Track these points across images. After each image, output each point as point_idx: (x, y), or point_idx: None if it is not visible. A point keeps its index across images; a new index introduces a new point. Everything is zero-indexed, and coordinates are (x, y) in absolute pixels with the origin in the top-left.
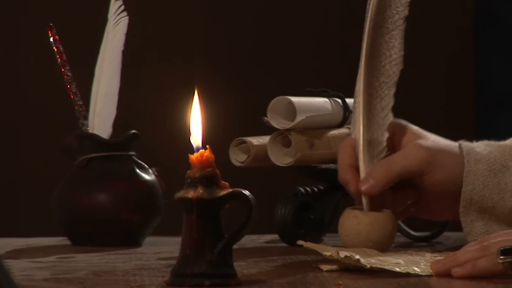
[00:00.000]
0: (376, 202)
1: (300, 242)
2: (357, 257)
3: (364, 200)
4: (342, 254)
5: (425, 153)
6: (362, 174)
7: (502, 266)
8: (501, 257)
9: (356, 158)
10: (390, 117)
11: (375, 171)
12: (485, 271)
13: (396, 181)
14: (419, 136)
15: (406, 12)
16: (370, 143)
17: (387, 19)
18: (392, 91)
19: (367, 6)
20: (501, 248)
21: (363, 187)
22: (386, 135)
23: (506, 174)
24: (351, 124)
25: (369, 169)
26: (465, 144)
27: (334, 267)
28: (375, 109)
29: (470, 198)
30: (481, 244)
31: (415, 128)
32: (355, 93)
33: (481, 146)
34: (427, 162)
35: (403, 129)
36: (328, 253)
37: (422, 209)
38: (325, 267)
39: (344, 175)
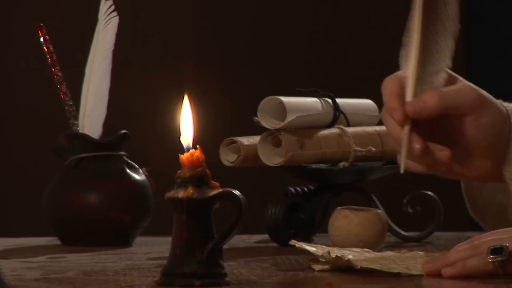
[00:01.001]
0: (415, 137)
1: (292, 242)
2: (348, 257)
3: (406, 128)
4: (333, 254)
5: (476, 93)
6: (409, 98)
7: (492, 265)
8: (491, 256)
9: (403, 89)
10: (447, 61)
11: (427, 96)
12: (475, 270)
13: (446, 111)
14: (460, 78)
15: None
16: (422, 77)
17: None
18: (450, 39)
19: None
20: (491, 247)
21: (411, 107)
22: (443, 75)
23: None
24: (401, 56)
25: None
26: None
27: (325, 267)
28: (430, 50)
29: None
30: (472, 243)
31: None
32: (407, 31)
33: None
34: (479, 102)
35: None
36: (319, 253)
37: (459, 160)
38: (317, 267)
39: (391, 103)
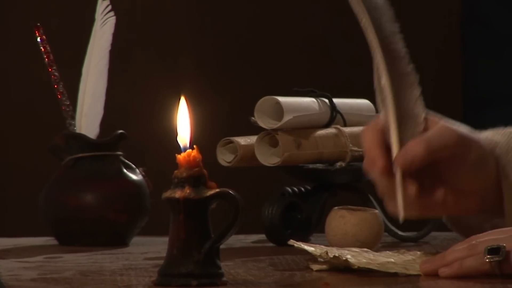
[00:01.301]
0: (408, 181)
1: (291, 242)
2: (346, 257)
3: (398, 174)
4: (331, 254)
5: (457, 132)
6: (395, 149)
7: (489, 266)
8: (488, 256)
9: (383, 137)
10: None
11: (412, 146)
12: (472, 270)
13: (432, 158)
14: (442, 120)
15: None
16: (402, 119)
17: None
18: (413, 72)
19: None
20: (488, 247)
21: (401, 161)
22: (419, 105)
23: None
24: (378, 103)
25: (404, 144)
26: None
27: (323, 267)
28: (403, 85)
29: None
30: (469, 243)
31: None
32: (376, 75)
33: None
34: (461, 141)
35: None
36: (317, 253)
37: (452, 199)
38: (315, 266)
39: (371, 151)
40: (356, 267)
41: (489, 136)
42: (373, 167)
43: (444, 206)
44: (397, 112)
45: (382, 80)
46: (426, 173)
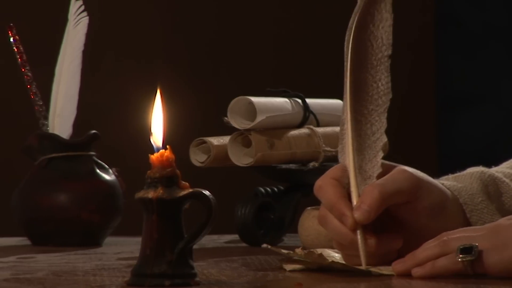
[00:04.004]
0: (368, 233)
1: (264, 245)
2: (319, 251)
3: (360, 233)
4: (305, 250)
5: (412, 176)
6: (355, 200)
7: (462, 265)
8: (460, 255)
9: (344, 187)
10: (383, 139)
11: (367, 197)
12: (445, 270)
13: (388, 204)
14: (398, 165)
15: (389, 51)
16: (361, 168)
17: (370, 57)
18: (384, 116)
19: (345, 44)
20: (461, 247)
21: (357, 214)
22: (380, 154)
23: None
24: (339, 151)
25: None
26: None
27: (297, 266)
28: (365, 134)
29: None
30: (440, 240)
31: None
32: (341, 121)
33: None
34: (417, 185)
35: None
36: (291, 251)
37: (411, 244)
38: (288, 266)
39: (339, 207)
40: (330, 261)
41: (452, 182)
42: (333, 221)
43: (402, 252)
44: (357, 159)
45: (345, 125)
46: (387, 216)
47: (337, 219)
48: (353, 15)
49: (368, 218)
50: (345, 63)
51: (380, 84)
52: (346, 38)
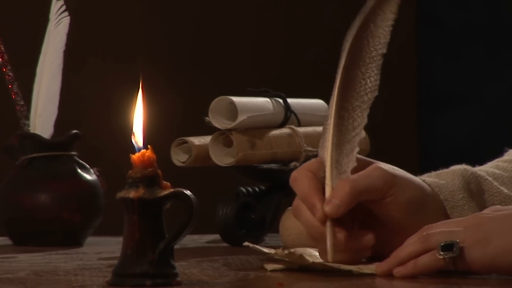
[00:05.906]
0: (337, 227)
1: (246, 243)
2: (300, 251)
3: (329, 226)
4: (286, 250)
5: (386, 174)
6: (328, 194)
7: (443, 262)
8: (442, 253)
9: (320, 180)
10: (362, 134)
11: (338, 191)
12: (427, 268)
13: (360, 200)
14: (376, 162)
15: (384, 50)
16: (338, 162)
17: (364, 54)
18: (366, 112)
19: (344, 42)
20: (442, 244)
21: (327, 208)
22: (356, 149)
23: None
24: (319, 145)
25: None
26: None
27: (278, 266)
28: (346, 129)
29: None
30: (421, 235)
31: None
32: (327, 116)
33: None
34: (390, 182)
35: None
36: (272, 252)
37: (385, 240)
38: (269, 266)
39: (311, 199)
40: (311, 261)
41: (433, 179)
42: (305, 213)
43: (375, 249)
44: (335, 153)
45: (328, 120)
46: (359, 212)
47: (309, 210)
48: (360, 14)
49: (337, 212)
50: (340, 60)
51: (368, 81)
52: (346, 36)
